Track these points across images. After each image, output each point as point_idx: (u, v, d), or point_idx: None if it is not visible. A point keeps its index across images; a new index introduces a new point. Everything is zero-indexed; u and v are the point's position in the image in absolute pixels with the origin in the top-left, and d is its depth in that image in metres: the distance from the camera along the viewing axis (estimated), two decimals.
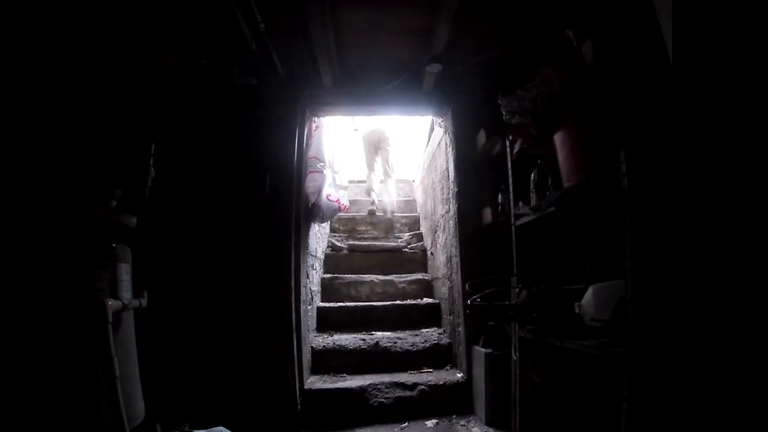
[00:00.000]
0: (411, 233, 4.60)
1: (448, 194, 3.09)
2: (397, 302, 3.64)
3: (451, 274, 3.08)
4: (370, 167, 5.14)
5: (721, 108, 0.91)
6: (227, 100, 2.66)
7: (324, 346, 2.99)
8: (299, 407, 2.51)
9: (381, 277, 3.90)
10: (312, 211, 3.13)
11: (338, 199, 3.23)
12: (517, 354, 2.05)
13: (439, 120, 3.27)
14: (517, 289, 1.95)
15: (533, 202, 1.97)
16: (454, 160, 2.93)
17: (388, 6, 2.24)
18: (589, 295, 1.53)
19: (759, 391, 0.83)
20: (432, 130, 3.82)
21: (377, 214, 4.88)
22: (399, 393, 2.62)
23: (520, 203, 2.09)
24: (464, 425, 2.45)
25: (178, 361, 2.39)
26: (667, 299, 1.24)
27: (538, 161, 1.97)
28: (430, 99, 2.95)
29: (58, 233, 1.48)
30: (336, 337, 3.17)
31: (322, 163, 3.05)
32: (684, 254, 1.17)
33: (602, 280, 1.55)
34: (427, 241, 4.26)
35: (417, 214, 4.95)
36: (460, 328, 2.84)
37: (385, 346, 3.02)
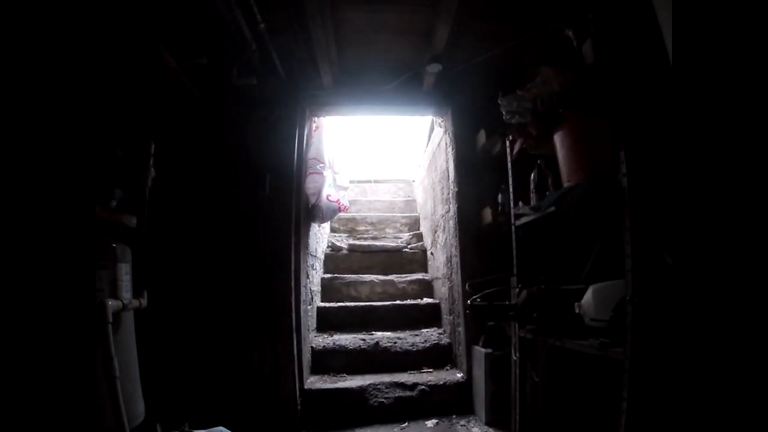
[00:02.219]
0: (411, 233, 4.59)
1: (448, 194, 3.09)
2: (397, 302, 3.64)
3: (451, 274, 3.08)
4: None
5: (721, 108, 0.91)
6: (227, 100, 2.66)
7: (324, 346, 2.99)
8: (299, 407, 2.51)
9: (381, 277, 3.90)
10: (312, 212, 3.13)
11: (338, 200, 3.23)
12: (517, 354, 2.05)
13: (439, 120, 3.27)
14: (517, 289, 1.96)
15: (533, 202, 1.98)
16: (454, 160, 2.93)
17: (388, 6, 2.24)
18: (589, 295, 1.53)
19: (759, 391, 0.83)
20: (432, 130, 3.81)
21: None
22: (399, 393, 2.62)
23: (520, 203, 2.09)
24: (464, 425, 2.45)
25: (178, 361, 2.39)
26: (667, 299, 1.24)
27: (538, 161, 1.98)
28: (430, 99, 2.95)
29: (57, 233, 1.48)
30: (336, 337, 3.17)
31: (321, 164, 3.05)
32: (684, 254, 1.17)
33: (602, 280, 1.55)
34: (427, 241, 4.26)
35: (417, 214, 4.95)
36: (460, 328, 2.84)
37: (385, 346, 3.02)
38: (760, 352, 0.84)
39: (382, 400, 2.59)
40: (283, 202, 2.68)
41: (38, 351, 1.38)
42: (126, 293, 1.64)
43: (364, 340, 3.08)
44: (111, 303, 1.49)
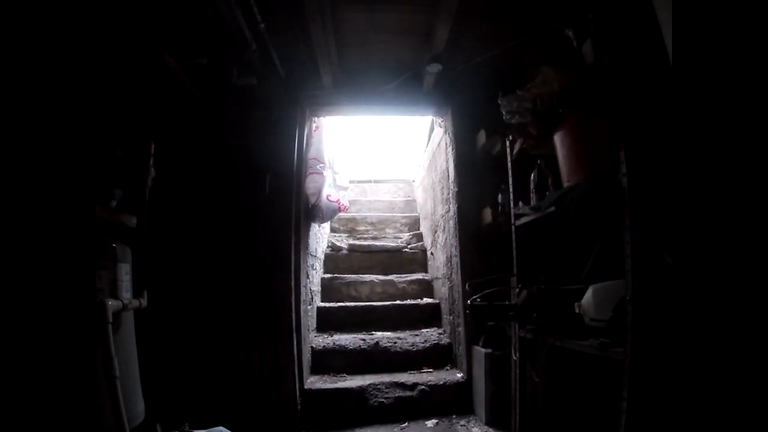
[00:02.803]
0: (411, 233, 4.59)
1: (448, 194, 3.09)
2: (397, 302, 3.64)
3: (451, 274, 3.08)
4: None
5: (721, 108, 0.91)
6: (227, 100, 2.66)
7: (324, 346, 2.99)
8: (299, 407, 2.51)
9: (381, 277, 3.90)
10: (312, 212, 3.13)
11: (338, 200, 3.23)
12: (517, 354, 2.05)
13: (439, 120, 3.27)
14: (517, 289, 1.96)
15: (533, 202, 1.98)
16: (454, 160, 2.93)
17: (388, 6, 2.24)
18: (589, 295, 1.53)
19: (759, 391, 0.83)
20: (432, 130, 3.82)
21: None
22: (399, 393, 2.62)
23: (520, 203, 2.09)
24: (464, 425, 2.45)
25: (178, 361, 2.39)
26: (667, 299, 1.24)
27: (538, 161, 1.97)
28: (430, 99, 2.95)
29: (57, 233, 1.48)
30: (336, 337, 3.17)
31: (321, 164, 3.05)
32: (684, 254, 1.17)
33: (602, 280, 1.55)
34: (427, 241, 4.26)
35: (417, 214, 4.95)
36: (460, 328, 2.84)
37: (385, 346, 3.02)
38: (759, 352, 0.84)
39: (382, 400, 2.59)
40: (283, 202, 2.69)
41: (38, 352, 1.38)
42: (126, 293, 1.64)
43: (364, 340, 3.08)
44: (111, 303, 1.49)
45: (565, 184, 1.69)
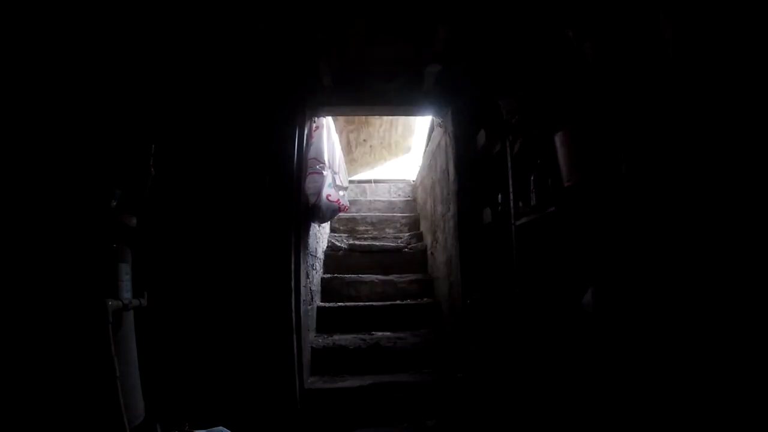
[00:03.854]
0: (411, 233, 4.59)
1: (448, 194, 3.09)
2: (397, 302, 3.64)
3: (450, 274, 3.08)
4: None
5: (722, 107, 0.91)
6: (227, 100, 2.66)
7: (324, 346, 2.99)
8: (299, 407, 2.51)
9: (381, 277, 3.90)
10: (312, 212, 3.13)
11: (338, 200, 3.23)
12: (517, 353, 2.05)
13: (439, 120, 3.27)
14: (517, 289, 1.96)
15: (533, 202, 1.98)
16: (454, 160, 2.93)
17: (388, 6, 2.24)
18: (589, 296, 1.53)
19: (758, 389, 0.84)
20: (432, 130, 3.81)
21: None
22: (399, 393, 2.62)
23: (520, 203, 2.09)
24: (464, 425, 2.45)
25: (178, 361, 2.38)
26: (668, 299, 1.24)
27: (538, 161, 1.98)
28: (430, 99, 2.95)
29: (58, 233, 1.48)
30: (336, 337, 3.17)
31: (321, 164, 3.05)
32: (684, 254, 1.17)
33: (602, 280, 1.55)
34: (427, 241, 4.26)
35: (417, 214, 4.95)
36: (460, 328, 2.84)
37: (385, 346, 3.02)
38: (757, 351, 0.84)
39: (382, 400, 2.59)
40: (283, 202, 2.68)
41: (39, 351, 1.37)
42: (126, 293, 1.64)
43: (364, 340, 3.08)
44: (111, 303, 1.49)
45: (565, 184, 1.69)
